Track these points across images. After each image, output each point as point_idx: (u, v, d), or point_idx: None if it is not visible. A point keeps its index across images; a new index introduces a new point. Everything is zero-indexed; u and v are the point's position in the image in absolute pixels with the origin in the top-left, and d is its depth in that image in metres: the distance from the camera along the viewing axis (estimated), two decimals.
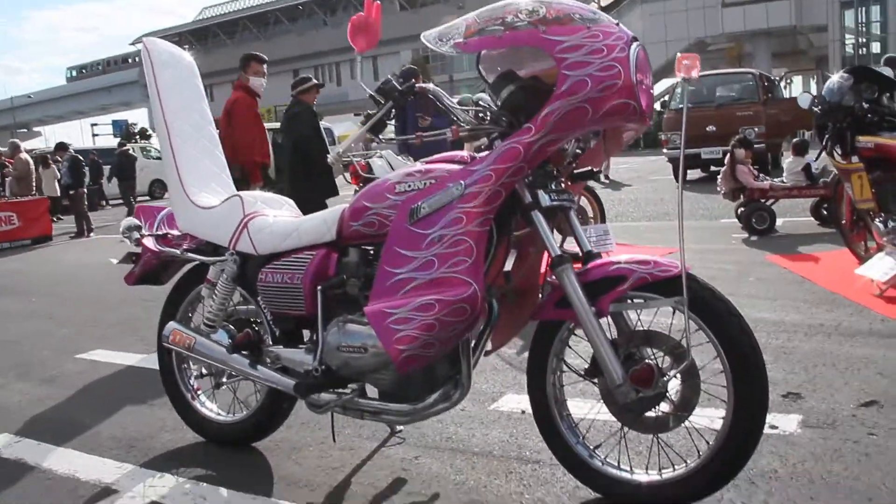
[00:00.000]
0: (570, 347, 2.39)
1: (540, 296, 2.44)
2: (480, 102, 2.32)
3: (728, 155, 7.49)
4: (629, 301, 2.19)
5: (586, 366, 2.29)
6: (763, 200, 7.36)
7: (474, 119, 2.27)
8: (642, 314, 2.27)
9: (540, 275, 2.53)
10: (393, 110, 2.31)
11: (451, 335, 2.14)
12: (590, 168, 2.43)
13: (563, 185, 2.36)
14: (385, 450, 2.85)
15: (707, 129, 12.60)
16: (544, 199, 2.23)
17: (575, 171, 2.42)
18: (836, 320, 4.04)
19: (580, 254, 2.32)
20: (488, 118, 2.24)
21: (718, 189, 7.75)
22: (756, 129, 12.62)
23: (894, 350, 3.45)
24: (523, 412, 3.08)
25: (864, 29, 36.50)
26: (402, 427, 2.95)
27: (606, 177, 14.93)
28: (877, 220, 4.63)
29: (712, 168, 13.71)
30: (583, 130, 2.19)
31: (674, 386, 2.16)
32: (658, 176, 15.37)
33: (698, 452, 2.18)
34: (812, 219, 7.55)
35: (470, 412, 3.16)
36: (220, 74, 43.32)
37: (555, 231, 2.31)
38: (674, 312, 2.16)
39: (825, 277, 5.10)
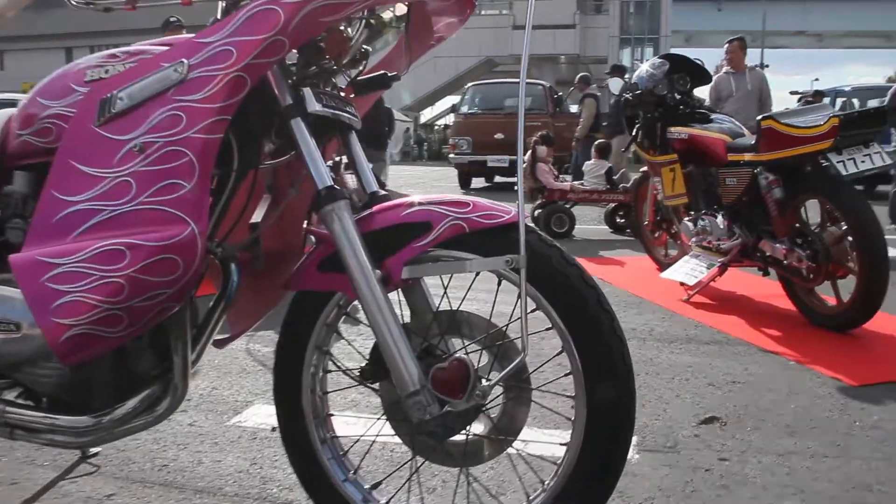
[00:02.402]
0: (339, 335, 1.58)
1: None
2: None
3: (528, 152, 7.08)
4: (434, 262, 1.42)
5: (363, 363, 1.51)
6: (562, 202, 7.02)
7: None
8: (450, 282, 1.51)
9: (302, 231, 1.76)
10: None
11: (153, 305, 1.32)
12: (383, 73, 1.64)
13: (341, 90, 1.57)
14: (67, 484, 1.93)
15: (495, 136, 12.43)
16: (312, 102, 1.42)
17: (361, 77, 1.63)
18: (648, 325, 3.57)
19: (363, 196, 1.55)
20: None
21: (516, 188, 7.32)
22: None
23: (719, 358, 2.99)
24: (274, 429, 2.23)
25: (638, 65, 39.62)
26: (97, 449, 2.06)
27: (383, 185, 14.29)
28: (685, 219, 4.28)
29: (497, 178, 13.62)
30: None
31: (495, 395, 1.41)
32: (443, 183, 14.97)
33: (527, 497, 1.45)
34: (606, 226, 7.32)
35: (201, 428, 2.27)
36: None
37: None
38: (499, 282, 1.43)
39: (629, 281, 4.71)
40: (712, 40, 36.73)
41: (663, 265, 4.74)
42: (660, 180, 4.36)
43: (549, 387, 1.49)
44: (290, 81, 1.45)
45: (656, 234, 5.06)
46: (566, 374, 1.40)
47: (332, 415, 1.60)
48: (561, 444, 1.43)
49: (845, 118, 3.17)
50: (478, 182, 13.86)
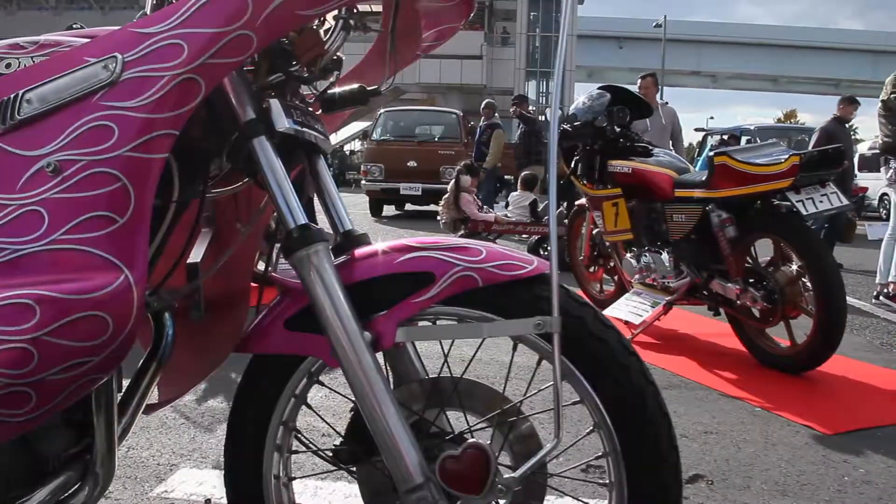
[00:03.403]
0: (309, 408, 1.29)
1: (253, 311, 1.34)
2: None
3: (452, 182, 6.88)
4: (435, 324, 1.17)
5: (338, 441, 1.23)
6: (486, 234, 6.84)
7: None
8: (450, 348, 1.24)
9: (252, 273, 1.47)
10: None
11: (72, 378, 1.00)
12: (359, 86, 1.37)
13: (310, 106, 1.32)
14: None
15: (408, 164, 12.24)
16: (281, 117, 1.15)
17: (334, 91, 1.37)
18: None
19: (336, 237, 1.29)
20: None
21: (439, 218, 7.12)
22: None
23: (683, 405, 2.81)
24: (207, 502, 1.90)
25: (544, 98, 40.38)
26: None
27: None
28: (627, 255, 4.15)
29: (408, 206, 13.41)
30: None
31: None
32: (354, 210, 14.62)
33: None
34: None
35: (117, 500, 1.90)
36: None
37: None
38: (515, 346, 1.18)
39: None
40: (613, 76, 38.02)
41: (598, 301, 4.59)
42: (600, 214, 4.21)
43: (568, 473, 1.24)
44: (251, 90, 1.17)
45: (592, 269, 4.92)
46: (597, 458, 1.16)
47: None
48: None
49: (806, 158, 3.10)
50: (388, 210, 13.60)
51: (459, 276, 1.11)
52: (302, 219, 1.13)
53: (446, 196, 7.00)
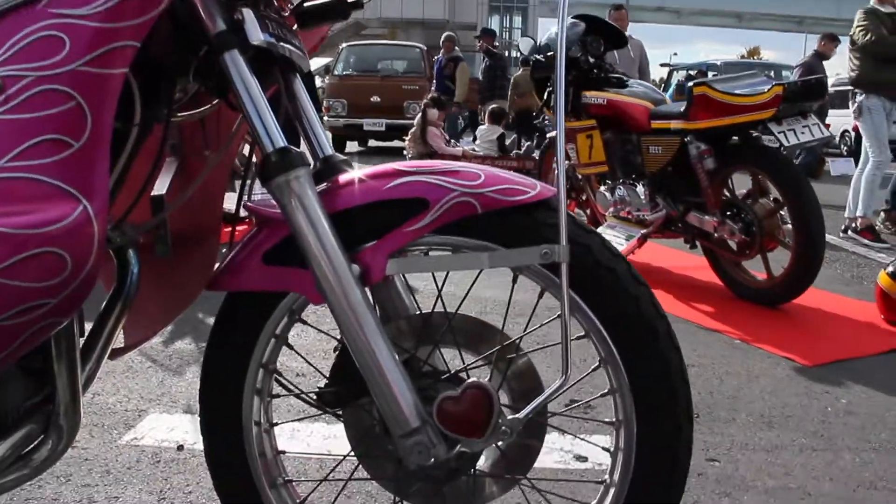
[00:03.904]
0: (290, 348, 1.19)
1: (225, 246, 1.24)
2: None
3: (419, 115, 6.71)
4: (429, 254, 1.07)
5: (323, 382, 1.14)
6: None
7: None
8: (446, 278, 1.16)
9: (222, 205, 1.38)
10: None
11: (27, 322, 0.89)
12: None
13: (284, 16, 1.18)
14: None
15: (371, 99, 11.96)
16: (255, 29, 1.03)
17: (311, 3, 1.24)
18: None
19: (315, 164, 1.18)
20: None
21: (405, 153, 6.97)
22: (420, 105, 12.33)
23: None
24: (181, 448, 1.82)
25: (507, 33, 39.78)
26: None
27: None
28: (601, 189, 4.07)
29: (371, 142, 13.20)
30: None
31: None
32: None
33: None
34: None
35: (86, 451, 1.83)
36: None
37: None
38: (515, 278, 1.10)
39: None
40: (578, 11, 37.50)
41: None
42: (574, 147, 4.12)
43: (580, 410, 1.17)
44: None
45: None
46: (602, 395, 1.09)
47: (283, 452, 1.21)
48: (597, 483, 1.12)
49: (789, 88, 3.02)
50: (352, 146, 13.36)
51: (456, 202, 1.02)
52: (281, 141, 1.01)
53: (413, 130, 6.84)
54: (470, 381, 1.00)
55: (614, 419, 1.09)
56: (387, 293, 1.18)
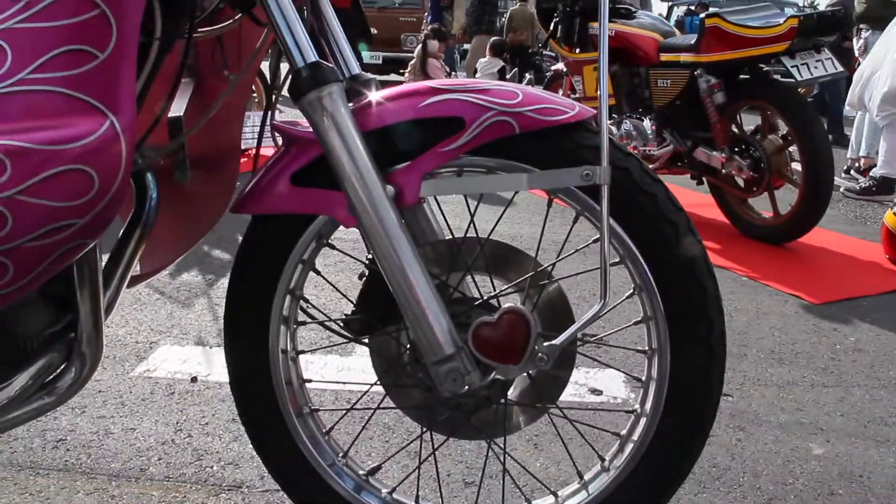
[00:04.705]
0: (317, 273, 1.17)
1: (245, 170, 1.21)
2: None
3: (419, 47, 6.58)
4: (464, 175, 1.04)
5: (349, 310, 1.13)
6: None
7: None
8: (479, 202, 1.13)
9: (240, 129, 1.35)
10: None
11: (54, 244, 0.85)
12: None
13: None
14: None
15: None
16: None
17: None
18: (578, 235, 3.31)
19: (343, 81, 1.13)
20: None
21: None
22: (418, 37, 12.11)
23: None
24: (194, 379, 1.81)
25: None
26: None
27: None
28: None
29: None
30: None
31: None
32: None
33: (580, 477, 1.14)
34: None
35: (99, 383, 1.83)
36: None
37: None
38: (549, 203, 1.08)
39: None
40: None
41: None
42: (580, 79, 4.05)
43: (614, 338, 1.16)
44: None
45: None
46: (635, 323, 1.08)
47: (309, 381, 1.20)
48: (627, 412, 1.12)
49: (804, 20, 2.95)
50: None
51: (494, 121, 0.98)
52: (312, 56, 0.97)
53: (413, 62, 6.70)
54: (507, 305, 0.99)
55: (647, 348, 1.08)
56: (414, 217, 1.15)
